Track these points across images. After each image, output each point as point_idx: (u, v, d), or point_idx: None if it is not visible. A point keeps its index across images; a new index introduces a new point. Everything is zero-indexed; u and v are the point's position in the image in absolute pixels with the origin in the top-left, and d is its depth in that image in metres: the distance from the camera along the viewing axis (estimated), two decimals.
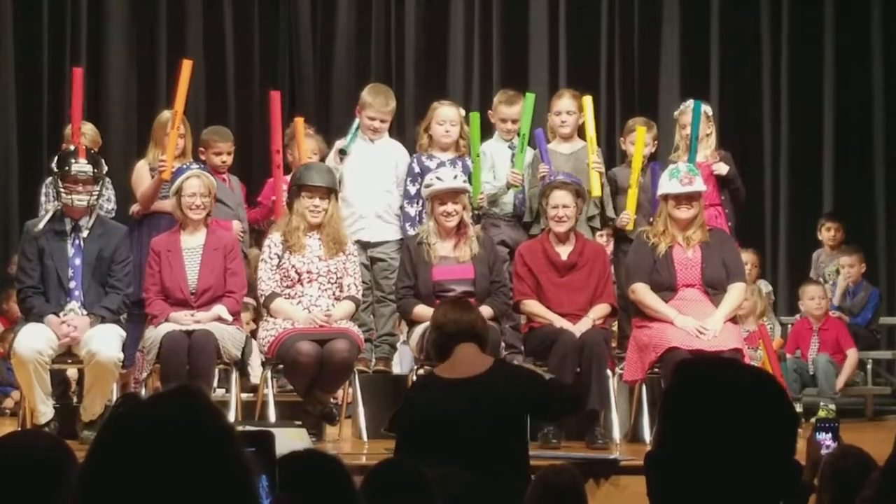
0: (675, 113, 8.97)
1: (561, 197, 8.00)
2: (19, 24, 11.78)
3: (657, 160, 8.96)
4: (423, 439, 5.37)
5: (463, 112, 8.72)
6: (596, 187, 8.36)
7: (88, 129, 8.84)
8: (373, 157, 8.59)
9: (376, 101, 8.64)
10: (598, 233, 8.72)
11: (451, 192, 7.96)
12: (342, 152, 8.54)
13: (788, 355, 10.04)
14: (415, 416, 5.56)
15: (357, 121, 8.71)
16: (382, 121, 8.65)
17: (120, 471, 1.88)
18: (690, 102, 8.85)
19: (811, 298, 10.17)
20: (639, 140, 8.51)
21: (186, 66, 8.49)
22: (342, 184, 8.41)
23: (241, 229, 8.54)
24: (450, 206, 7.95)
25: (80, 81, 8.37)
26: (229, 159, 8.73)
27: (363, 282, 8.20)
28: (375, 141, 8.65)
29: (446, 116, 8.64)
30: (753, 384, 2.19)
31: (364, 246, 8.45)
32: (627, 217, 8.48)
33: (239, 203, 8.69)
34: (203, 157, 8.63)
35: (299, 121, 8.82)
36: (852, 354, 10.00)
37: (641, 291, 7.93)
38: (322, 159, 8.68)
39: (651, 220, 8.32)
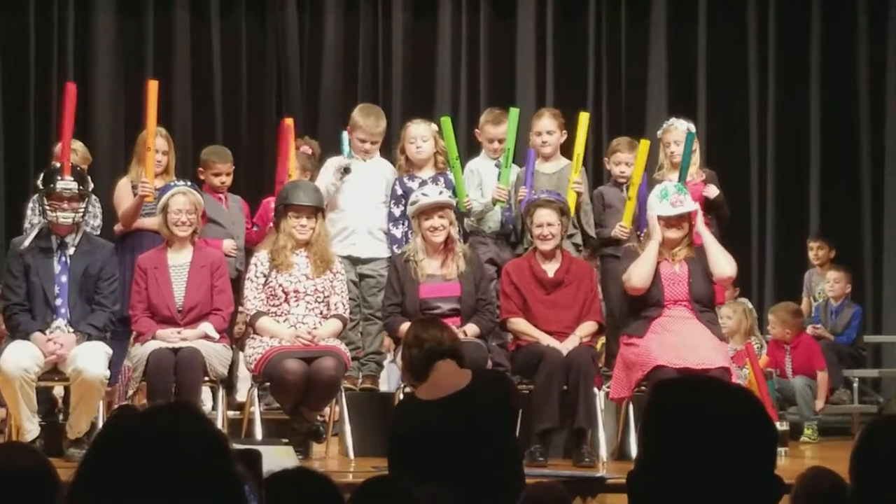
0: (659, 132, 8.97)
1: (545, 215, 8.00)
2: (6, 41, 11.77)
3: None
4: (414, 461, 5.32)
5: (435, 127, 8.67)
6: (570, 207, 8.33)
7: (78, 146, 8.81)
8: (366, 173, 8.59)
9: (367, 123, 8.63)
10: (581, 251, 8.69)
11: (437, 206, 7.96)
12: (346, 171, 8.49)
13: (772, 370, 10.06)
14: (403, 441, 5.50)
15: (346, 137, 8.68)
16: (373, 142, 8.65)
17: (115, 479, 1.89)
18: (673, 121, 8.86)
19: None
20: (641, 153, 8.48)
21: (152, 86, 8.46)
22: (337, 199, 8.42)
23: (234, 247, 8.51)
24: (436, 221, 7.94)
25: (73, 97, 8.33)
26: (228, 180, 8.71)
27: (351, 299, 8.19)
28: (367, 159, 8.66)
29: (416, 133, 8.62)
30: (731, 401, 2.20)
31: (354, 262, 8.45)
32: (625, 231, 8.44)
33: (235, 222, 8.64)
34: (202, 177, 8.64)
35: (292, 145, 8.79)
36: (822, 377, 9.96)
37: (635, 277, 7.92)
38: (312, 178, 8.67)
39: (639, 233, 8.33)
